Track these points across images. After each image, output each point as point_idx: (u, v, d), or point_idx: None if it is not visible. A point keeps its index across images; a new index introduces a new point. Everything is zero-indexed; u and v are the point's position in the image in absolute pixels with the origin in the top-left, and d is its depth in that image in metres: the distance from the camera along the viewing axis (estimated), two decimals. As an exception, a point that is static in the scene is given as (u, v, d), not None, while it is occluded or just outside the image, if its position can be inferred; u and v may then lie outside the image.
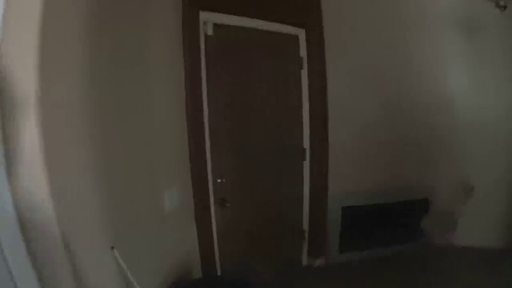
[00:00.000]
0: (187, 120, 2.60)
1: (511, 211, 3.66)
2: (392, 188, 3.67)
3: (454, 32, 3.70)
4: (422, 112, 3.70)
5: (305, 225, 3.46)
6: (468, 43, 3.70)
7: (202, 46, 2.73)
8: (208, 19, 2.74)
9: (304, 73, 3.35)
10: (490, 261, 3.36)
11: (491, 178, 3.66)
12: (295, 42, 3.33)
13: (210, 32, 2.76)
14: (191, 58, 2.60)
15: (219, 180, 2.85)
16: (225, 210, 2.89)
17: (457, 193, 3.73)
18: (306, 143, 3.40)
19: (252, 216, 3.08)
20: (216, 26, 2.79)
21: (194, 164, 2.67)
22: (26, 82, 1.27)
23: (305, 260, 3.52)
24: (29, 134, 1.27)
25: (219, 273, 2.85)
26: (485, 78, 3.70)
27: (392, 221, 3.65)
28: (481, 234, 3.58)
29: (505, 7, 3.46)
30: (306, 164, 3.41)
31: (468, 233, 3.65)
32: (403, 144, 3.69)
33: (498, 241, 3.58)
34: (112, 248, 1.64)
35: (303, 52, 3.35)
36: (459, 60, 3.76)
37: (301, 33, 3.34)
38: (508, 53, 3.63)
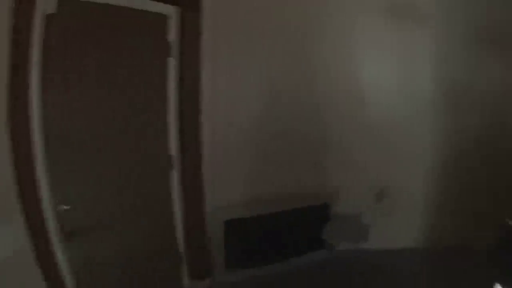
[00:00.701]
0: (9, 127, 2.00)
1: (429, 210, 3.44)
2: (286, 194, 3.22)
3: (378, 19, 3.32)
4: (326, 109, 3.32)
5: (182, 246, 2.93)
6: (393, 32, 3.35)
7: (38, 29, 2.10)
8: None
9: (173, 62, 2.75)
10: (406, 263, 3.23)
11: (409, 178, 3.41)
12: (163, 23, 2.71)
13: (52, 9, 2.15)
14: (18, 46, 2.00)
15: (65, 208, 2.25)
16: (78, 245, 2.30)
17: (367, 195, 3.38)
18: (174, 149, 2.83)
19: (115, 247, 2.51)
20: (61, 1, 2.17)
21: (24, 188, 2.07)
22: None
23: (187, 285, 3.01)
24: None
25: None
26: (410, 71, 3.40)
27: (287, 232, 3.20)
28: (397, 236, 3.35)
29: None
30: (175, 173, 2.85)
31: (382, 236, 3.34)
32: (299, 145, 3.27)
33: (415, 242, 3.40)
34: None
35: (172, 36, 2.74)
36: (383, 51, 3.39)
37: (172, 13, 2.72)
38: (439, 42, 3.34)
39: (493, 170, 3.41)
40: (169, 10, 2.72)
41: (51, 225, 2.20)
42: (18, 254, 2.04)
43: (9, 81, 2.00)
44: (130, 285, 2.60)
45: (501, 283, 2.22)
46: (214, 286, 3.03)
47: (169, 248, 2.87)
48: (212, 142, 2.91)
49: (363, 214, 3.36)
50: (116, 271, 2.52)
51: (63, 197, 2.24)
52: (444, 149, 3.41)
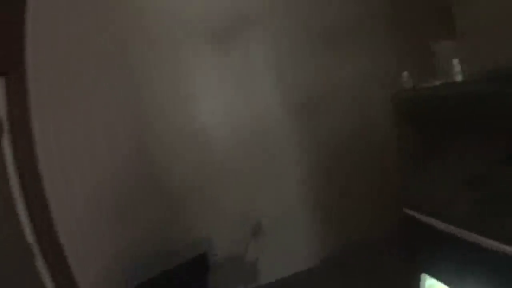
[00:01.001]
0: None
1: (313, 228, 3.34)
2: (159, 254, 2.86)
3: (205, 46, 3.07)
4: (174, 154, 3.02)
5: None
6: (224, 55, 3.11)
7: None
8: None
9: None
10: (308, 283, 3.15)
11: (282, 203, 3.26)
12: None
13: None
14: None
15: None
16: None
17: (243, 233, 3.15)
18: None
19: None
20: None
21: None
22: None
23: None
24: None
25: None
26: (254, 92, 3.20)
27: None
28: (287, 263, 3.19)
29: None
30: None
31: (271, 268, 3.16)
32: (158, 200, 2.96)
33: (308, 262, 3.26)
34: None
35: (2, 112, 2.42)
36: (219, 78, 3.13)
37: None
38: (280, 53, 3.15)
39: (372, 166, 3.31)
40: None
41: None
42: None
43: None
44: None
45: (426, 272, 2.18)
46: None
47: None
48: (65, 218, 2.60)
49: (244, 253, 3.11)
50: None
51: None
52: (314, 162, 3.27)
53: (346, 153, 3.32)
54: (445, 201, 2.02)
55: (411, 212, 2.13)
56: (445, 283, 2.21)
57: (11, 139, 2.45)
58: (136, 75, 2.90)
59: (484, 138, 1.77)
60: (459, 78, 1.99)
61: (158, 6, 2.94)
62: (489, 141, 1.74)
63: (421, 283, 2.22)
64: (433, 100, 2.05)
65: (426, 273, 2.22)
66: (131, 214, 2.83)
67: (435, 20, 3.00)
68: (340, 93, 3.29)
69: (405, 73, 2.30)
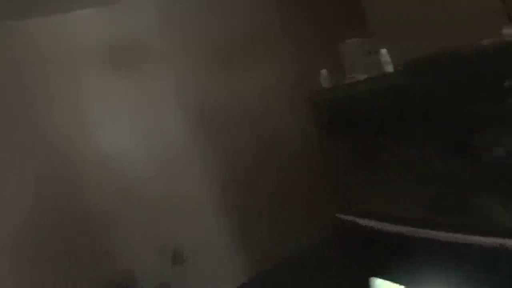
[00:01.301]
0: None
1: (232, 257, 3.16)
2: None
3: (104, 72, 2.90)
4: (92, 184, 2.85)
5: None
6: (124, 80, 2.94)
7: None
8: None
9: None
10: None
11: (201, 228, 3.07)
12: None
13: None
14: None
15: None
16: None
17: (164, 263, 2.95)
18: None
19: None
20: None
21: None
22: None
23: None
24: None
25: None
26: (156, 117, 3.02)
27: None
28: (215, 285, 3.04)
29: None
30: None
31: None
32: (76, 236, 2.77)
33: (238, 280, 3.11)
34: None
35: None
36: (120, 105, 2.95)
37: None
38: (181, 74, 3.00)
39: (294, 174, 3.17)
40: None
41: None
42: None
43: None
44: None
45: (374, 275, 2.10)
46: None
47: None
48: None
49: (168, 282, 2.93)
50: None
51: None
52: (230, 180, 3.09)
53: (264, 165, 3.17)
54: (386, 201, 1.98)
55: (347, 217, 2.05)
56: (396, 282, 2.13)
57: None
58: (36, 109, 2.72)
59: (416, 131, 1.76)
60: (389, 68, 1.92)
61: (52, 36, 2.78)
62: (421, 134, 1.74)
63: (371, 286, 2.14)
64: (357, 96, 2.00)
65: (375, 276, 2.13)
66: (52, 254, 2.66)
67: (345, 20, 2.95)
68: (249, 104, 3.17)
69: (323, 71, 2.18)
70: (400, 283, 2.09)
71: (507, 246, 1.50)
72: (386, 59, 1.92)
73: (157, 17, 2.98)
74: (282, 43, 3.25)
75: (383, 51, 1.92)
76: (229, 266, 3.09)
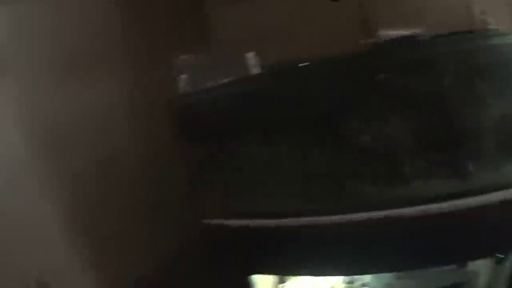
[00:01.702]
0: None
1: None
2: None
3: None
4: None
5: None
6: None
7: None
8: None
9: None
10: None
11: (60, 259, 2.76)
12: None
13: None
14: None
15: None
16: None
17: None
18: None
19: None
20: None
21: None
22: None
23: None
24: None
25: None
26: None
27: None
28: None
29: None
30: None
31: None
32: None
33: None
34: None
35: None
36: None
37: None
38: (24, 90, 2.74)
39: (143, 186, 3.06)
40: None
41: None
42: None
43: None
44: None
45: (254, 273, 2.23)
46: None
47: None
48: None
49: None
50: None
51: None
52: (72, 199, 2.81)
53: (117, 177, 2.96)
54: (254, 198, 2.03)
55: (215, 221, 2.06)
56: (278, 274, 2.37)
57: None
58: None
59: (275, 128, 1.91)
60: (256, 70, 2.05)
61: None
62: (287, 129, 1.90)
63: (251, 284, 2.22)
64: (218, 99, 2.07)
65: (252, 273, 2.23)
66: None
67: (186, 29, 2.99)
68: (96, 116, 2.93)
69: (183, 76, 2.21)
70: (282, 274, 2.33)
71: (378, 219, 1.79)
72: (252, 62, 2.05)
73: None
74: (129, 54, 3.11)
75: (250, 54, 2.05)
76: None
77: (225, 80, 2.08)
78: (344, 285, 2.62)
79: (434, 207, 1.78)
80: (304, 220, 1.88)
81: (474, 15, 2.17)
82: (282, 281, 2.54)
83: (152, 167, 3.02)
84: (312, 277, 2.56)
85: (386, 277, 2.51)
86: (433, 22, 2.16)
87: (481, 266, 2.42)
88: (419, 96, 1.83)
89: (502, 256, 2.17)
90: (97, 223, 2.80)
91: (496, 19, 2.08)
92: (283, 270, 2.24)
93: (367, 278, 2.57)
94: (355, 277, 2.57)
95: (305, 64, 1.99)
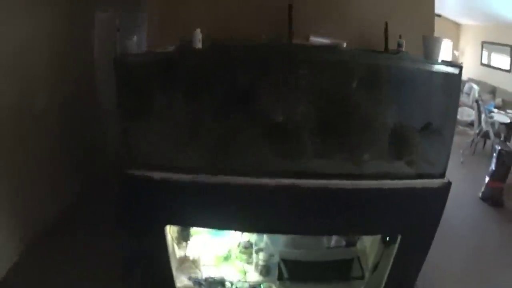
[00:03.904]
0: None
1: None
2: None
3: None
4: None
5: None
6: None
7: None
8: None
9: None
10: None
11: None
12: None
13: None
14: None
15: None
16: None
17: None
18: None
19: None
20: None
21: None
22: None
23: None
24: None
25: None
26: None
27: None
28: None
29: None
30: None
31: None
32: None
33: None
34: None
35: None
36: None
37: None
38: None
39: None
40: None
41: None
42: None
43: None
44: None
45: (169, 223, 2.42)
46: None
47: None
48: None
49: None
50: None
51: None
52: None
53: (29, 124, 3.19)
54: (174, 154, 2.25)
55: (136, 172, 2.19)
56: (192, 226, 2.61)
57: None
58: None
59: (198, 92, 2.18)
60: (199, 45, 2.23)
61: None
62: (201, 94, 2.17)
63: (166, 235, 2.40)
64: (159, 63, 2.25)
65: (169, 223, 2.43)
66: None
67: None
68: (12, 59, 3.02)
69: (134, 38, 2.30)
70: (193, 226, 2.59)
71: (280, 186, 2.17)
72: (198, 37, 2.22)
73: None
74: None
75: (198, 30, 2.22)
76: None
77: (168, 48, 2.29)
78: (240, 249, 2.88)
79: (329, 182, 2.18)
80: (215, 177, 2.17)
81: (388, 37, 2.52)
82: (184, 240, 2.78)
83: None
84: (211, 240, 2.84)
85: (280, 245, 2.83)
86: (352, 37, 2.51)
87: (369, 246, 2.80)
88: (330, 92, 2.22)
89: (388, 237, 2.52)
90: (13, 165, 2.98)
91: (409, 44, 2.45)
92: (193, 223, 2.52)
93: (263, 244, 2.87)
94: (252, 242, 2.88)
95: (236, 45, 2.27)
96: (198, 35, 2.23)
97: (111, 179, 2.59)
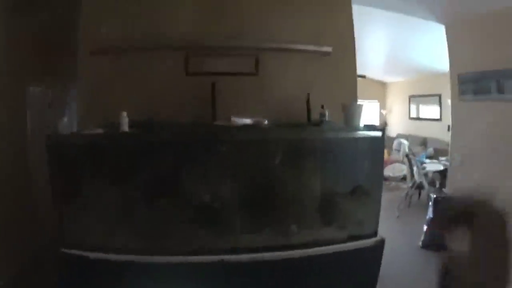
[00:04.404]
0: None
1: None
2: None
3: None
4: None
5: None
6: None
7: None
8: None
9: None
10: None
11: None
12: None
13: None
14: None
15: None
16: None
17: None
18: None
19: None
20: None
21: None
22: None
23: None
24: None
25: None
26: None
27: None
28: None
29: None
30: None
31: None
32: None
33: None
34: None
35: None
36: None
37: None
38: None
39: None
40: None
41: None
42: None
43: None
44: None
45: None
46: None
47: None
48: None
49: None
50: None
51: None
52: None
53: None
54: (105, 234, 2.24)
55: (72, 251, 2.18)
56: None
57: None
58: None
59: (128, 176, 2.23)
60: (125, 128, 2.31)
61: None
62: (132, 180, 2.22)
63: None
64: (87, 145, 2.30)
65: None
66: None
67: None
68: None
69: (64, 120, 2.39)
70: None
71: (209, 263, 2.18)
72: (125, 121, 2.30)
73: None
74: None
75: (124, 114, 2.31)
76: None
77: (97, 130, 2.33)
78: None
79: (259, 256, 2.21)
80: (148, 258, 2.16)
81: (311, 108, 2.66)
82: None
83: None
84: None
85: None
86: (274, 110, 2.66)
87: None
88: (253, 169, 2.31)
89: None
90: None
91: (331, 112, 2.59)
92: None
93: None
94: None
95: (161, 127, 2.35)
96: (125, 118, 2.29)
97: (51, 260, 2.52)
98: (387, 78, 9.77)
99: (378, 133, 2.44)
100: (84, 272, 2.23)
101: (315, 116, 2.62)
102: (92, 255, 2.17)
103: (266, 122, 2.46)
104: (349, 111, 2.47)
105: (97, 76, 2.76)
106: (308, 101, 2.64)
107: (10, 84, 3.83)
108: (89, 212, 2.23)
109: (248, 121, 2.46)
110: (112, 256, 2.17)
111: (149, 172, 2.22)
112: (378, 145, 2.47)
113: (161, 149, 2.25)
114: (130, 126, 2.32)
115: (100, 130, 2.32)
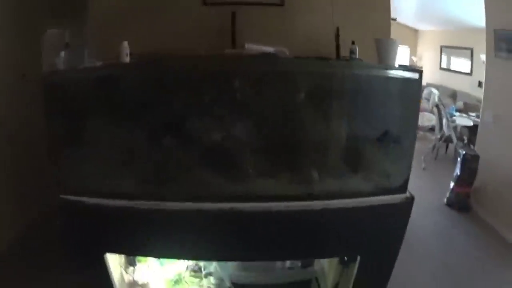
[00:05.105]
0: None
1: None
2: None
3: None
4: None
5: None
6: None
7: None
8: None
9: None
10: None
11: None
12: None
13: None
14: None
15: None
16: None
17: None
18: None
19: None
20: None
21: None
22: None
23: None
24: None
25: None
26: None
27: None
28: None
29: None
30: None
31: None
32: None
33: None
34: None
35: None
36: None
37: None
38: None
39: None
40: None
41: None
42: None
43: None
44: None
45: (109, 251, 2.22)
46: None
47: None
48: None
49: None
50: None
51: None
52: None
53: None
54: (110, 178, 2.06)
55: (72, 197, 2.02)
56: (130, 254, 2.37)
57: None
58: None
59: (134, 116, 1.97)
60: (127, 59, 2.07)
61: None
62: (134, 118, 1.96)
63: (106, 262, 2.20)
64: (87, 81, 2.07)
65: (109, 251, 2.22)
66: None
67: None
68: None
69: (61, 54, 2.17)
70: (134, 254, 2.34)
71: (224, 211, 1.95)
72: (126, 51, 2.06)
73: None
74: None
75: (125, 43, 2.06)
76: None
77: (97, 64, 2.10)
78: (189, 273, 2.67)
79: (276, 205, 1.96)
80: (153, 203, 1.96)
81: (340, 44, 2.36)
82: (132, 265, 2.56)
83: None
84: (159, 263, 2.62)
85: (232, 268, 2.61)
86: (299, 44, 2.33)
87: (327, 266, 2.62)
88: (272, 106, 2.00)
89: (345, 258, 2.34)
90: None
91: (362, 51, 2.30)
92: (133, 251, 2.27)
93: (212, 267, 2.65)
94: (201, 266, 2.67)
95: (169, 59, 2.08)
96: (125, 48, 2.05)
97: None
98: (419, 26, 9.33)
99: (415, 74, 2.11)
100: (82, 219, 2.07)
101: (345, 53, 2.32)
102: (90, 200, 2.00)
103: (287, 53, 2.16)
104: (383, 47, 2.13)
105: (108, 9, 2.57)
106: (337, 36, 2.33)
107: (26, 27, 3.64)
108: (87, 155, 2.04)
109: (265, 48, 2.16)
110: (111, 202, 1.99)
111: (149, 109, 1.96)
112: (415, 88, 2.13)
113: (164, 83, 1.99)
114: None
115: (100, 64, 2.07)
